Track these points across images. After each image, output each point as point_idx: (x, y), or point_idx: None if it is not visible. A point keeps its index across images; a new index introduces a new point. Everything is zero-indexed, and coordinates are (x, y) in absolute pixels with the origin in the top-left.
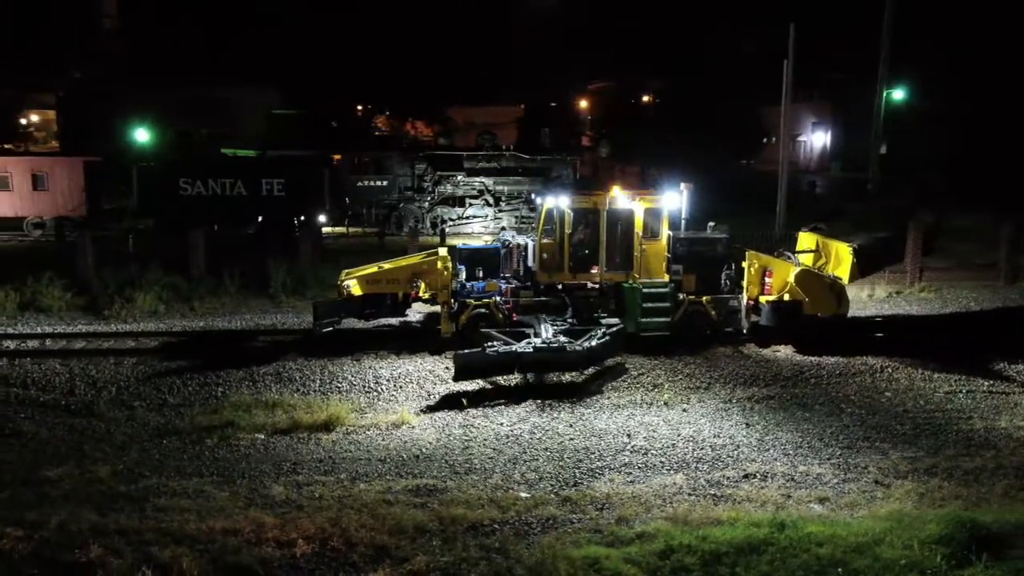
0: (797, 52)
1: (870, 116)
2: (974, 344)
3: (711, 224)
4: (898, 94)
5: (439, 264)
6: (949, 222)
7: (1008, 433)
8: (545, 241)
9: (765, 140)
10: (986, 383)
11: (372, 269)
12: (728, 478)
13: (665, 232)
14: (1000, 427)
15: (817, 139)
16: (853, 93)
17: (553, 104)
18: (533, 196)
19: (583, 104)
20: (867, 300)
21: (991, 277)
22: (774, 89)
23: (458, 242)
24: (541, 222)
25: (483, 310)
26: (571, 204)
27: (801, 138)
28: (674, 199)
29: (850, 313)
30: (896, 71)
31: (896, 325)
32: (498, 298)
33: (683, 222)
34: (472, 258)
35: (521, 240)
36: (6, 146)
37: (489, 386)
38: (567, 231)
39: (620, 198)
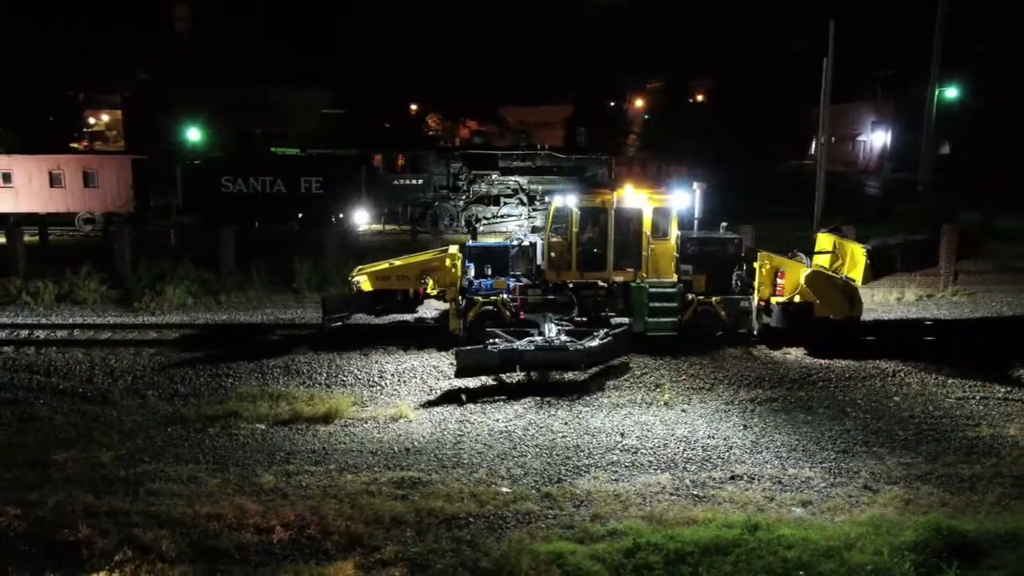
0: (857, 50)
1: (931, 115)
2: (997, 349)
3: (723, 224)
4: (951, 92)
5: (448, 262)
6: (999, 224)
7: (1015, 441)
8: (554, 240)
9: (822, 139)
10: (1002, 389)
11: (383, 265)
12: (714, 479)
13: (674, 232)
14: (1008, 435)
15: (877, 138)
16: (913, 91)
17: (612, 103)
18: (544, 195)
19: (639, 103)
20: (895, 303)
21: None
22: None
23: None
24: (550, 221)
25: (491, 308)
26: (579, 203)
27: (860, 137)
28: (684, 199)
29: (877, 316)
30: (955, 68)
31: (918, 329)
32: (506, 296)
33: (695, 222)
34: (481, 256)
35: (532, 239)
36: (72, 145)
37: (492, 382)
38: (575, 230)
39: (628, 197)
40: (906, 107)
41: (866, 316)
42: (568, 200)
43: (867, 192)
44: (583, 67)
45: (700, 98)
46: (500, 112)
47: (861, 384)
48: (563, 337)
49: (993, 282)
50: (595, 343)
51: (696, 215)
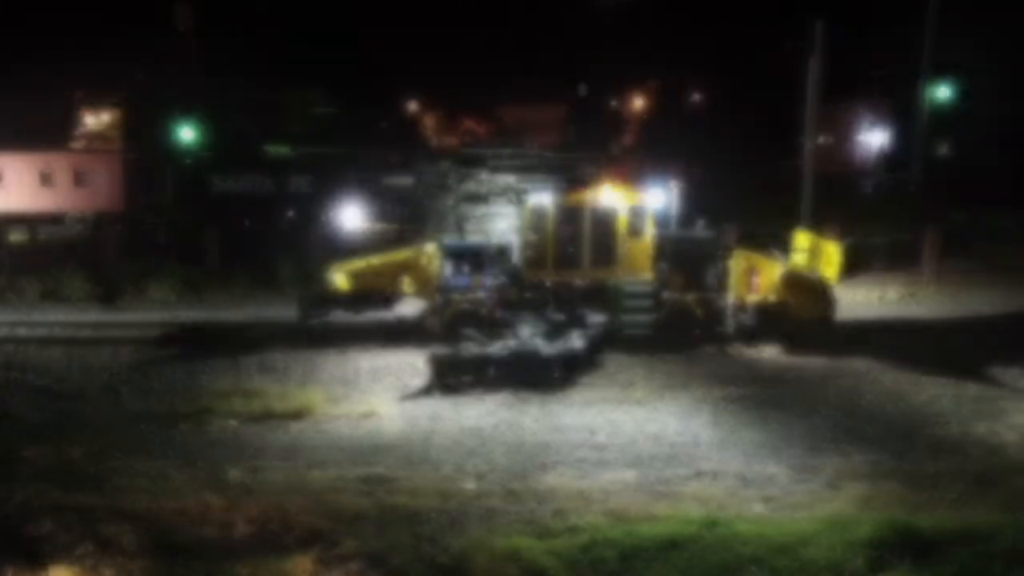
0: (857, 50)
1: (930, 114)
2: (973, 348)
3: (700, 223)
4: (943, 92)
5: (424, 260)
6: (991, 223)
7: (982, 439)
8: (530, 238)
9: (821, 140)
10: (975, 388)
11: (361, 264)
12: (679, 476)
13: (650, 230)
14: (976, 432)
15: (875, 138)
16: (912, 91)
17: (613, 102)
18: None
19: (638, 102)
20: (877, 302)
21: (1019, 280)
22: (827, 86)
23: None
24: (526, 220)
25: (467, 306)
26: (555, 201)
27: (858, 137)
28: (660, 197)
29: (856, 315)
30: (954, 68)
31: (895, 328)
32: (482, 294)
33: (673, 220)
34: (459, 254)
35: (509, 237)
36: (71, 144)
37: (466, 377)
38: (551, 228)
39: (604, 196)
40: (904, 107)
41: (844, 314)
42: (544, 199)
43: (861, 192)
44: (582, 66)
45: (697, 97)
46: (498, 111)
47: (834, 382)
48: (537, 340)
49: (978, 281)
50: (567, 345)
51: (674, 213)
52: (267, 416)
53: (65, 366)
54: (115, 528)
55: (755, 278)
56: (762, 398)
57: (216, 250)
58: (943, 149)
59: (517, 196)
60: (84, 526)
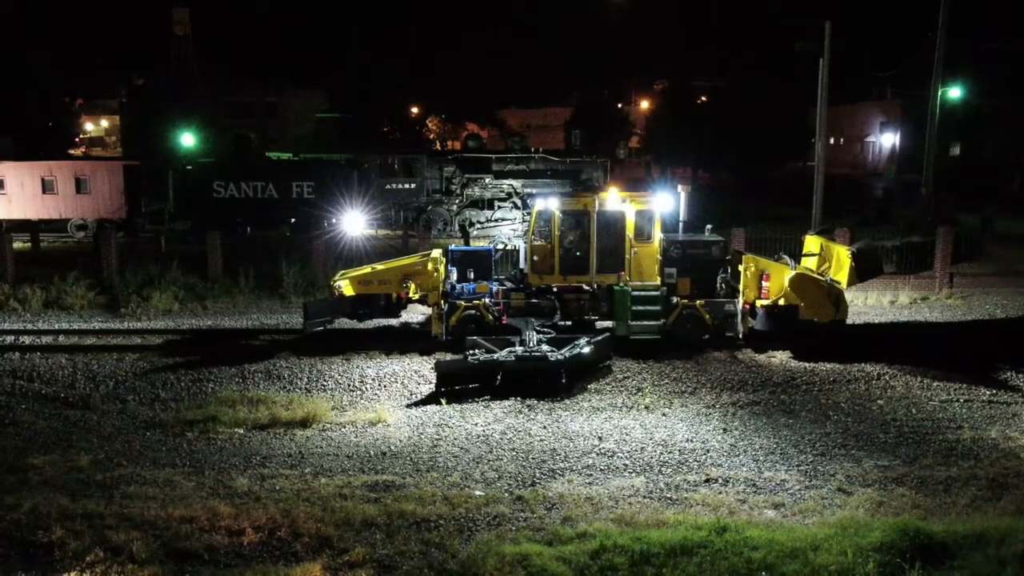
0: (866, 50)
1: (941, 115)
2: (985, 353)
3: (708, 227)
4: (954, 92)
5: (430, 265)
6: (1004, 226)
7: (995, 444)
8: (536, 243)
9: (831, 141)
10: (988, 392)
11: (366, 270)
12: (689, 482)
13: (658, 235)
14: (989, 437)
15: (886, 140)
16: (923, 92)
17: (619, 105)
18: (526, 199)
19: (644, 105)
20: (889, 306)
21: None
22: (835, 88)
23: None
24: (532, 224)
25: (473, 312)
26: (562, 206)
27: (869, 139)
28: (667, 201)
29: (868, 319)
30: (965, 68)
31: (906, 332)
32: (488, 300)
33: (680, 225)
34: (464, 260)
35: (515, 242)
36: (70, 151)
37: (473, 385)
38: (557, 233)
39: (611, 201)
40: (915, 108)
41: (856, 319)
42: (550, 203)
43: (873, 194)
44: (587, 69)
45: (704, 99)
46: (502, 115)
47: (845, 387)
48: (544, 347)
49: (991, 285)
50: (575, 352)
51: (681, 218)
52: (273, 424)
53: (71, 374)
54: (124, 535)
55: (765, 282)
56: (772, 403)
57: (218, 257)
58: (955, 149)
59: (523, 201)
60: (94, 533)
